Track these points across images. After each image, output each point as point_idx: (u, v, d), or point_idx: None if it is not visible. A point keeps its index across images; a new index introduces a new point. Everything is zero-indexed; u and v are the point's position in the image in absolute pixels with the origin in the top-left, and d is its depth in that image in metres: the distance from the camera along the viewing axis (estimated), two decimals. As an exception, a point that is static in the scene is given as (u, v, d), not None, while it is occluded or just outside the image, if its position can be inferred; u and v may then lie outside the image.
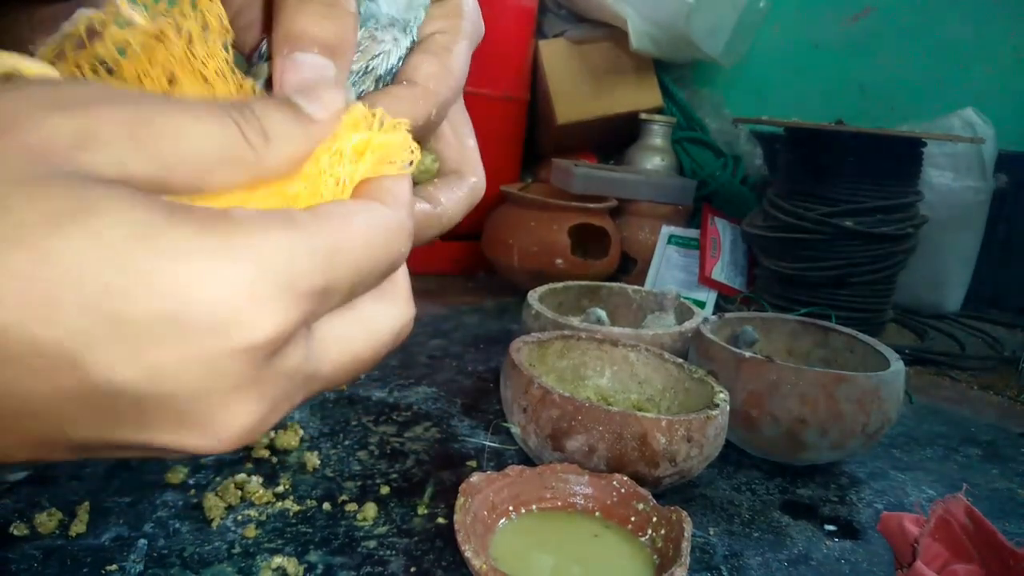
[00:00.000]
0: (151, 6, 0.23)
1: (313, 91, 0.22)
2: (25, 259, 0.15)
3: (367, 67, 0.27)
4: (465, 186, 0.31)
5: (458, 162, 0.32)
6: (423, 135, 0.29)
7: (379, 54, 0.27)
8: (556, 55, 1.41)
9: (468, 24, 0.30)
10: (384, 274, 0.22)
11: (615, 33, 1.38)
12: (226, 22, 0.23)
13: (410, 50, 0.28)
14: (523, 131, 1.42)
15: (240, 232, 0.17)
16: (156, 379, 0.16)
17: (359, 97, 0.27)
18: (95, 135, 0.16)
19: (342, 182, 0.22)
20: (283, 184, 0.21)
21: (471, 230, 1.27)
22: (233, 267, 0.16)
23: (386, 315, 0.23)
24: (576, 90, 1.40)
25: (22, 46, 0.22)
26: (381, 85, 0.28)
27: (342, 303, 0.21)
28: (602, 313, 0.78)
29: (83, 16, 0.22)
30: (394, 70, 0.28)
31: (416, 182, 0.31)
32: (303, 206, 0.21)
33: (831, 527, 0.56)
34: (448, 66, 0.28)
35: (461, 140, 0.32)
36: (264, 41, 0.27)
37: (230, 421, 0.18)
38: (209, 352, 0.16)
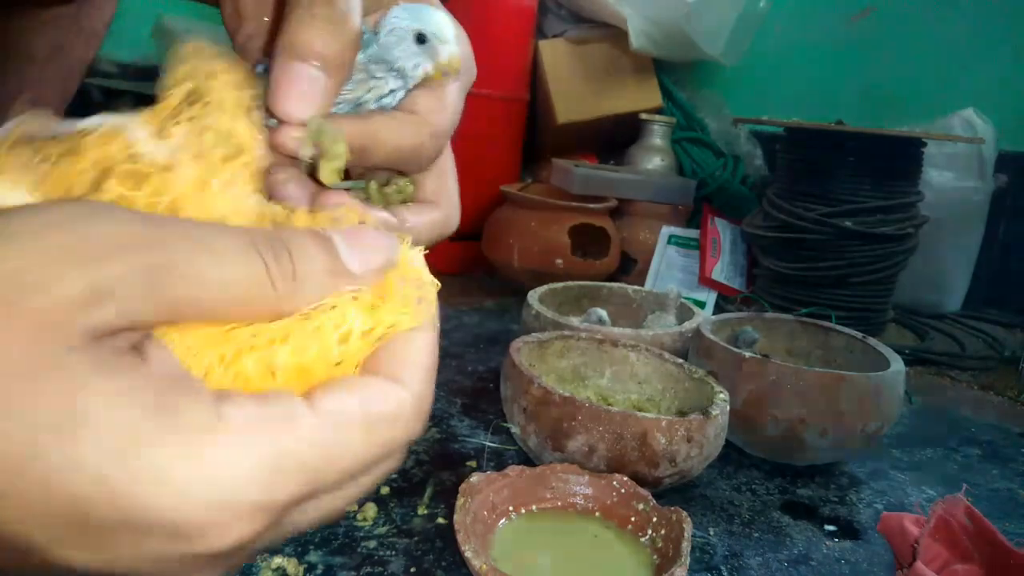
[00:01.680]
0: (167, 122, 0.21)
1: (359, 236, 0.21)
2: (6, 465, 0.15)
3: (359, 99, 0.28)
4: (436, 214, 0.31)
5: (436, 195, 0.32)
6: (415, 166, 0.29)
7: (372, 88, 0.28)
8: (556, 55, 1.40)
9: (462, 68, 0.30)
10: (388, 459, 0.21)
11: (615, 33, 1.38)
12: (261, 143, 0.23)
13: (408, 91, 0.29)
14: (523, 131, 1.42)
15: (226, 443, 0.17)
16: (114, 567, 0.17)
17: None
18: (108, 290, 0.16)
19: (357, 332, 0.21)
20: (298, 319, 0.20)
21: (471, 230, 1.27)
22: (206, 489, 0.16)
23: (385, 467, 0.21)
24: (576, 90, 1.40)
25: (24, 49, 0.22)
26: None
27: (332, 493, 0.20)
28: (603, 313, 0.78)
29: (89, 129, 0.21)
30: (387, 106, 0.29)
31: (384, 202, 0.31)
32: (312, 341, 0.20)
33: (831, 527, 0.56)
34: (444, 100, 0.29)
35: (443, 177, 0.32)
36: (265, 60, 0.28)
37: None
38: (167, 556, 0.17)
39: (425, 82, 0.29)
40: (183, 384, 0.17)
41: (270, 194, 0.26)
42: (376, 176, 0.31)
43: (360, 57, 0.28)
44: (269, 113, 0.25)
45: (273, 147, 0.25)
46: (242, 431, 0.17)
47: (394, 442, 0.20)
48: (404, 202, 0.31)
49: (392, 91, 0.29)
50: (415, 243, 0.25)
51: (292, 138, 0.25)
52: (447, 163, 0.33)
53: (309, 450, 0.18)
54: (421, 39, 0.28)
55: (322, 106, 0.25)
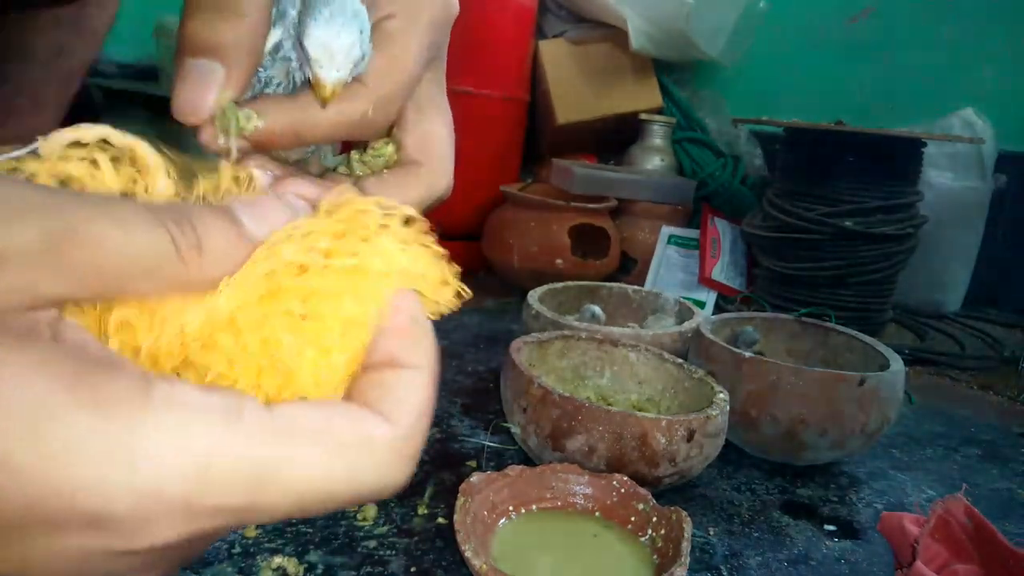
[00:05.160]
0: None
1: (257, 205, 0.21)
2: None
3: (292, 74, 0.26)
4: (417, 179, 0.29)
5: (416, 151, 0.29)
6: (366, 133, 0.28)
7: (302, 61, 0.26)
8: (556, 55, 1.41)
9: (425, 4, 0.27)
10: (350, 502, 0.18)
11: (615, 33, 1.38)
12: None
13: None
14: (523, 131, 1.42)
15: (154, 425, 0.15)
16: (27, 570, 0.15)
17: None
18: (5, 255, 0.15)
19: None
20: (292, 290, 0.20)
21: (471, 230, 1.27)
22: (127, 474, 0.14)
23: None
24: (576, 90, 1.40)
25: (24, 49, 0.22)
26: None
27: (273, 519, 0.17)
28: (596, 308, 0.78)
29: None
30: None
31: (369, 169, 0.29)
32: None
33: (831, 527, 0.56)
34: (394, 57, 0.26)
35: (425, 128, 0.30)
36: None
37: None
38: (87, 552, 0.15)
39: (373, 33, 0.26)
40: (105, 360, 0.16)
41: None
42: (355, 146, 0.30)
43: (294, 23, 0.25)
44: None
45: (203, 148, 0.24)
46: (174, 414, 0.15)
47: (359, 478, 0.18)
48: (387, 166, 0.30)
49: None
50: (403, 205, 0.23)
51: (204, 134, 0.24)
52: (432, 111, 0.30)
53: (250, 456, 0.16)
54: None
55: (223, 97, 0.23)
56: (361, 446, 0.18)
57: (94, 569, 0.16)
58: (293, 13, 0.25)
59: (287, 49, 0.26)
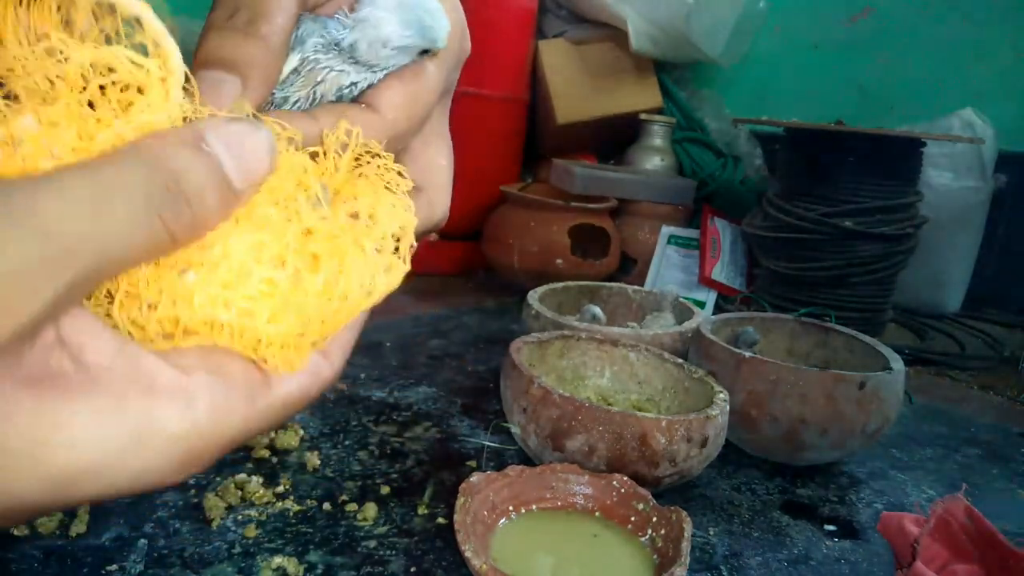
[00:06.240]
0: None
1: (240, 146, 0.20)
2: None
3: (313, 93, 0.27)
4: (417, 205, 0.29)
5: (418, 179, 0.30)
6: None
7: (321, 80, 0.27)
8: (556, 55, 1.41)
9: (447, 48, 0.28)
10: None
11: (615, 33, 1.38)
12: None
13: (376, 81, 0.27)
14: (523, 131, 1.42)
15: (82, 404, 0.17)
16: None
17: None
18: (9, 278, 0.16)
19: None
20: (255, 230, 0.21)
21: (471, 230, 1.27)
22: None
23: None
24: (576, 90, 1.40)
25: None
26: None
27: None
28: (597, 309, 0.78)
29: None
30: (346, 98, 0.27)
31: None
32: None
33: (831, 527, 0.56)
34: (415, 94, 0.27)
35: (429, 158, 0.31)
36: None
37: None
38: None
39: (397, 71, 0.27)
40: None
41: None
42: None
43: (317, 47, 0.26)
44: None
45: None
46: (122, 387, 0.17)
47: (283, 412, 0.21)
48: None
49: (353, 83, 0.27)
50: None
51: None
52: (437, 142, 0.31)
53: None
54: (413, 24, 0.26)
55: (240, 107, 0.24)
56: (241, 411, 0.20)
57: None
58: (316, 40, 0.26)
59: (320, 62, 0.26)
